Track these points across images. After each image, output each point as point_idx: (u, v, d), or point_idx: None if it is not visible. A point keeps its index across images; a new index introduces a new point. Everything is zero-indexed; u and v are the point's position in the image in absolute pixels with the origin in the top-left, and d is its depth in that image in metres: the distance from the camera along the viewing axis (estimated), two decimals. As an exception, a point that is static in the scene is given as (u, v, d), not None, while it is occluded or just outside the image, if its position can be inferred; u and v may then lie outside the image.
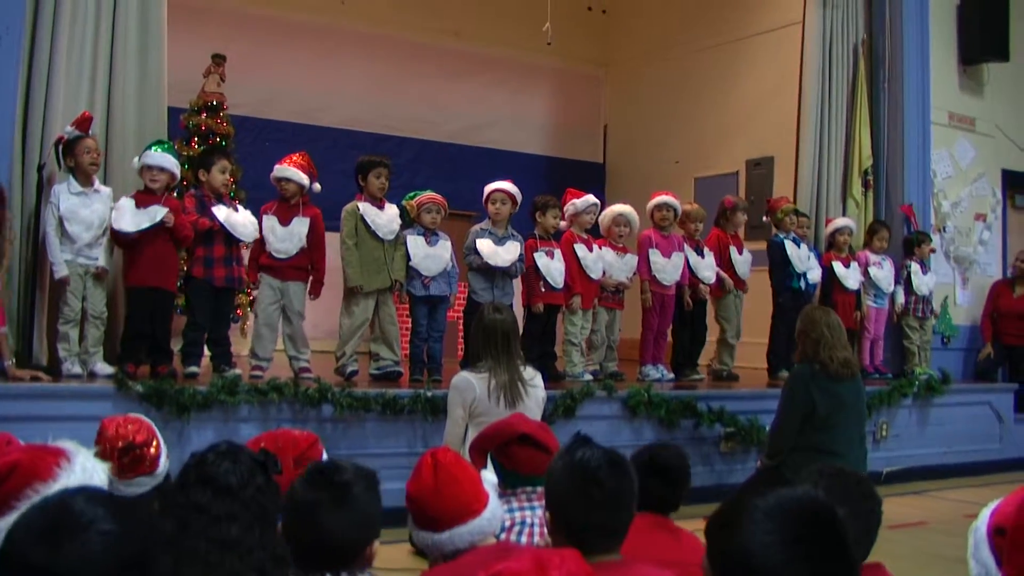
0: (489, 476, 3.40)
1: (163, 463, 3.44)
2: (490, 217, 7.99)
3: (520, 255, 7.94)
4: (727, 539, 1.89)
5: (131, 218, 6.66)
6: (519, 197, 8.00)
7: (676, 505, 3.85)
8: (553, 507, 2.79)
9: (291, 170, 7.32)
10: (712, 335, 9.56)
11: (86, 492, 1.88)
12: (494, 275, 7.86)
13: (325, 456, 3.52)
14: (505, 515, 3.49)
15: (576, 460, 2.76)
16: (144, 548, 1.84)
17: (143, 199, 6.74)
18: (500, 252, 7.83)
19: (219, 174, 7.23)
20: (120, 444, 3.29)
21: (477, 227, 8.05)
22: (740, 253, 9.46)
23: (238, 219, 7.17)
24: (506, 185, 7.98)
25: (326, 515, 2.57)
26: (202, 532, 2.32)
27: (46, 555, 1.75)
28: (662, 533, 3.25)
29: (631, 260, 8.87)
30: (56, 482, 2.25)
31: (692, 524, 5.77)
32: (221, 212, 7.06)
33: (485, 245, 7.81)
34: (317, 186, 7.44)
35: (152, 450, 3.36)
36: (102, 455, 3.22)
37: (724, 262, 9.39)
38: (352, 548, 2.62)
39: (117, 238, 6.74)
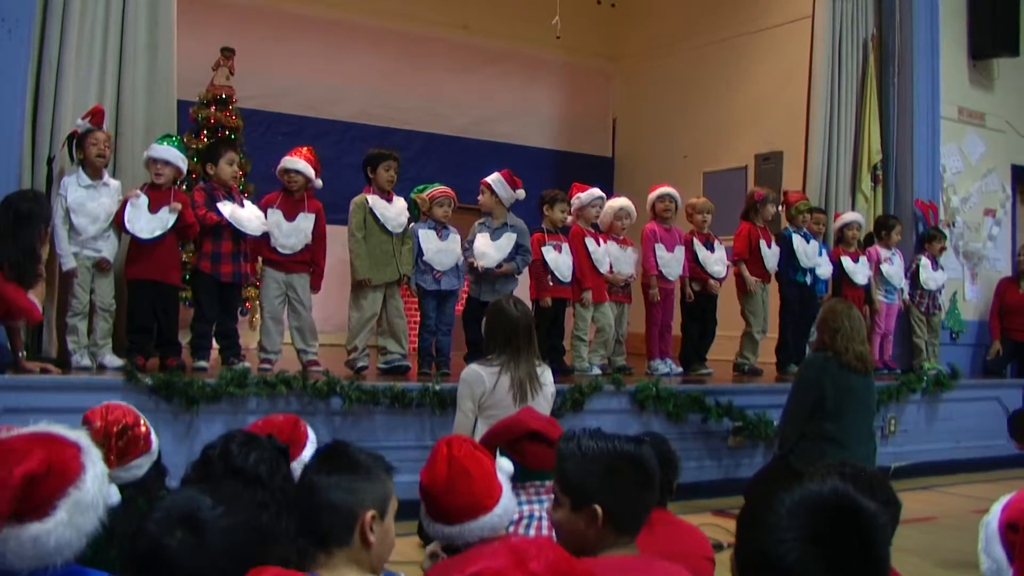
0: (505, 465, 3.37)
1: (155, 440, 3.41)
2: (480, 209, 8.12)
3: (519, 246, 7.95)
4: (751, 536, 1.87)
5: (146, 223, 6.69)
6: (493, 184, 7.95)
7: (670, 494, 3.84)
8: (602, 501, 2.70)
9: (301, 163, 7.33)
10: (737, 329, 9.56)
11: (202, 490, 2.12)
12: (491, 274, 7.90)
13: (312, 437, 3.50)
14: (513, 508, 3.48)
15: (613, 449, 2.74)
16: (254, 538, 2.09)
17: (154, 196, 6.76)
18: (490, 252, 7.85)
19: (227, 166, 7.23)
20: (115, 428, 3.24)
21: (478, 221, 8.12)
22: (769, 247, 9.38)
23: (243, 214, 7.16)
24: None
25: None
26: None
27: (185, 540, 1.97)
28: (660, 526, 3.23)
29: (632, 253, 8.88)
30: (87, 474, 2.26)
31: (700, 518, 5.82)
32: (226, 208, 7.06)
33: (480, 242, 7.87)
34: (319, 182, 7.44)
35: (143, 428, 3.34)
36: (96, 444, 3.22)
37: (754, 256, 9.33)
38: None
39: (121, 228, 6.77)
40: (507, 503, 3.17)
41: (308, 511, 2.53)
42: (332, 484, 2.53)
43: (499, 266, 7.85)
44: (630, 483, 2.73)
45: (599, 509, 2.69)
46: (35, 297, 6.13)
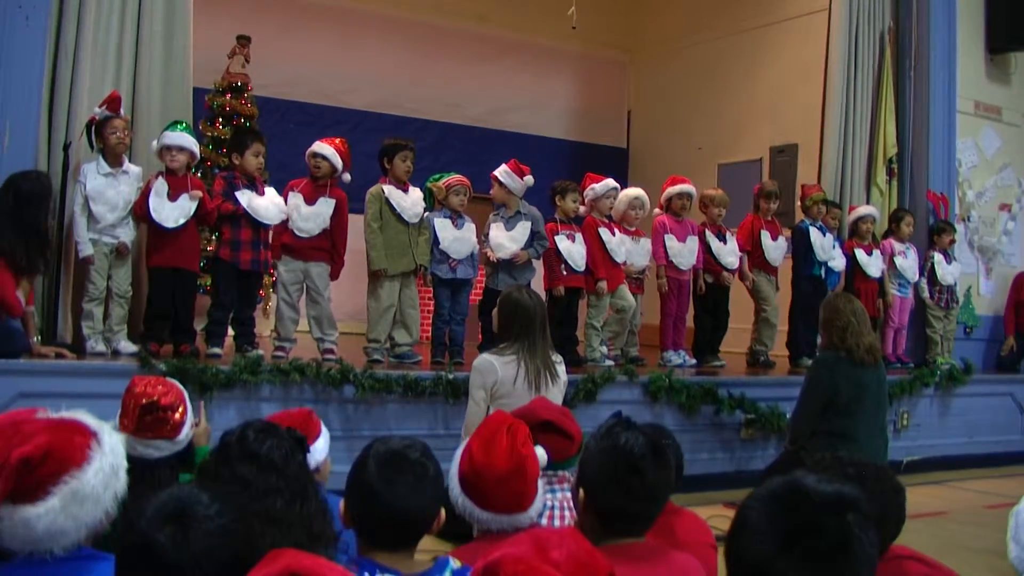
0: (541, 454, 3.33)
1: (186, 432, 3.42)
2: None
3: (535, 232, 7.98)
4: (729, 531, 1.89)
5: (170, 212, 6.71)
6: (500, 176, 7.97)
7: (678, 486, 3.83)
8: (588, 490, 2.76)
9: (328, 148, 7.34)
10: (750, 321, 9.55)
11: (202, 488, 2.09)
12: (509, 264, 7.91)
13: (325, 432, 3.54)
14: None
15: (620, 447, 2.74)
16: (249, 540, 2.04)
17: (172, 183, 6.76)
18: (505, 243, 7.87)
19: (252, 158, 7.22)
20: (144, 401, 3.27)
21: (493, 213, 8.13)
22: (774, 239, 9.36)
23: (261, 203, 7.16)
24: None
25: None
26: (246, 506, 2.34)
27: (171, 538, 1.94)
28: (663, 516, 3.24)
29: (646, 244, 8.88)
30: (90, 465, 2.26)
31: (711, 510, 5.82)
32: (244, 197, 7.06)
33: (496, 233, 7.88)
34: (347, 176, 7.45)
35: (176, 415, 3.34)
36: (124, 410, 3.24)
37: (755, 247, 9.32)
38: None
39: (141, 217, 6.79)
40: (538, 504, 3.17)
41: (383, 517, 2.53)
42: (409, 495, 2.54)
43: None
44: (618, 487, 2.71)
45: (583, 495, 2.76)
46: (20, 293, 6.14)
